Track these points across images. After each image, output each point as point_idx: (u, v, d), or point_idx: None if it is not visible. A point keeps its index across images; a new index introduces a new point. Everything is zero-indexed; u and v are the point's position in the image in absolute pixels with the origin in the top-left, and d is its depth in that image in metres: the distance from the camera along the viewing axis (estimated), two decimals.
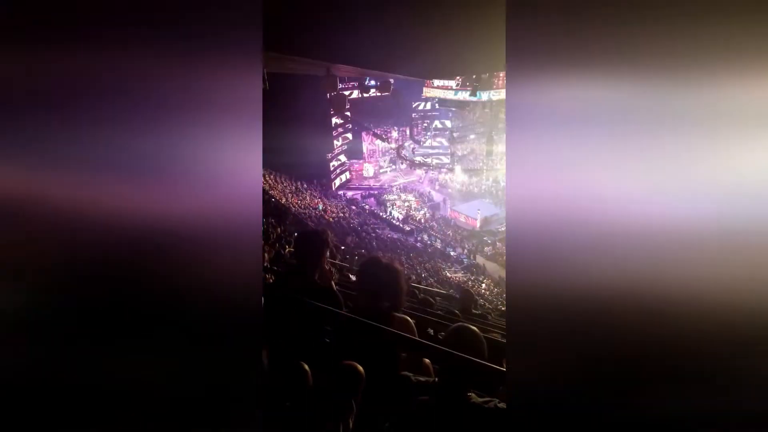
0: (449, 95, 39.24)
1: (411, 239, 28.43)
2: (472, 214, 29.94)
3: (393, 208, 34.29)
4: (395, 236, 28.15)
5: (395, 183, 41.20)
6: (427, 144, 43.41)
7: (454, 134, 41.67)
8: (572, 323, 1.34)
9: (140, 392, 1.31)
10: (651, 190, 1.29)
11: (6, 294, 1.25)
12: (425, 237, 28.94)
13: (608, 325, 1.32)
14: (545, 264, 1.37)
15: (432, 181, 41.40)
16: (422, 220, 32.05)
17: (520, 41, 1.36)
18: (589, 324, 1.33)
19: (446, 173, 39.36)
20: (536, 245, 1.38)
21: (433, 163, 41.00)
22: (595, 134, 1.32)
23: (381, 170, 41.95)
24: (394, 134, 42.25)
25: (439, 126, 43.17)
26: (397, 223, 30.80)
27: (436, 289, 10.81)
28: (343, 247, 16.09)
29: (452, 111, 41.50)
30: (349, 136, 40.00)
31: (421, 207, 35.16)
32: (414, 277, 14.68)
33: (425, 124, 43.40)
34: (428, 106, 43.09)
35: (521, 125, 1.40)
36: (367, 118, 40.49)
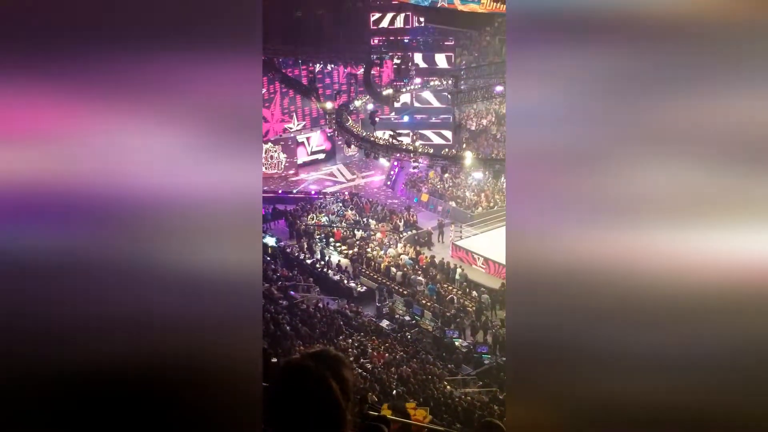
0: None
1: (368, 311, 16.33)
2: (501, 255, 15.10)
3: (329, 245, 19.30)
4: (332, 305, 16.14)
5: (332, 188, 22.14)
6: (401, 105, 22.84)
7: (461, 83, 21.07)
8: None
9: None
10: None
11: None
12: (398, 306, 16.33)
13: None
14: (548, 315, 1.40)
15: (414, 184, 22.05)
16: (393, 269, 17.61)
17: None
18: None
19: (442, 167, 19.63)
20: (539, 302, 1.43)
21: (417, 144, 21.17)
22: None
23: (301, 159, 22.59)
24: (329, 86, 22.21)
25: (426, 65, 22.89)
26: (338, 275, 17.67)
27: (425, 425, 6.63)
28: None
29: (459, 32, 21.11)
30: None
31: (391, 241, 19.43)
32: (377, 398, 8.62)
33: (400, 62, 22.63)
34: (398, 21, 22.95)
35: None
36: (277, 42, 21.22)
